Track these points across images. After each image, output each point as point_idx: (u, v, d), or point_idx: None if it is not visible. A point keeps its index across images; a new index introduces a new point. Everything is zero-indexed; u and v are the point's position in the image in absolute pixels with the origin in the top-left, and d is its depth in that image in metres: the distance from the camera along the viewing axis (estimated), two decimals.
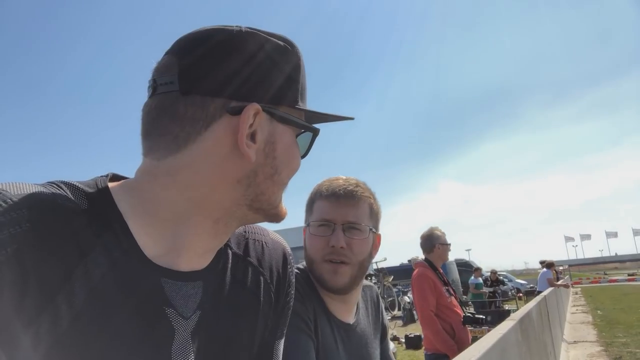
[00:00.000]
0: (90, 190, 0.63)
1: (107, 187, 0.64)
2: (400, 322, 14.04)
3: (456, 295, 3.85)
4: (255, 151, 0.64)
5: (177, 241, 0.64)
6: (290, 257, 0.86)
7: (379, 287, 14.26)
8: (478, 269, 14.98)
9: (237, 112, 0.63)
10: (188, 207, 0.64)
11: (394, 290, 15.92)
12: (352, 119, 0.80)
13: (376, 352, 1.36)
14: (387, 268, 16.75)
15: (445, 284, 3.75)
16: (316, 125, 0.75)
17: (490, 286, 15.68)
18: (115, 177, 0.69)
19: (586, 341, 8.62)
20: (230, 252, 0.75)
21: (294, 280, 0.87)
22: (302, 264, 1.29)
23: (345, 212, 1.22)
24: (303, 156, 0.74)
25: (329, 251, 1.20)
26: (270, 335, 0.80)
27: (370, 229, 1.24)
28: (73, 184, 0.62)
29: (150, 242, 0.63)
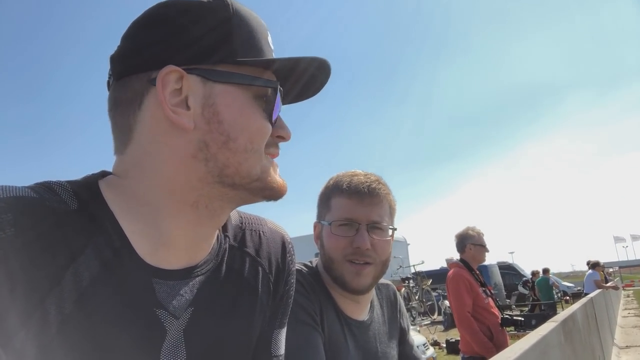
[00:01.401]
0: (80, 190, 0.61)
1: (97, 185, 0.63)
2: (441, 327, 13.74)
3: (494, 297, 3.72)
4: (191, 118, 0.60)
5: (163, 235, 0.63)
6: (290, 246, 0.84)
7: (417, 292, 14.03)
8: (547, 269, 14.56)
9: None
10: (161, 195, 0.62)
11: (434, 294, 15.59)
12: (322, 60, 0.68)
13: (392, 352, 1.32)
14: (425, 271, 16.41)
15: (482, 285, 3.62)
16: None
17: (533, 288, 15.14)
18: (107, 175, 0.67)
19: None
20: (227, 244, 0.73)
21: (294, 268, 0.84)
22: (309, 261, 1.26)
23: (369, 211, 1.18)
24: (270, 119, 0.66)
25: (352, 251, 1.16)
26: (269, 325, 0.78)
27: (391, 228, 1.22)
28: (62, 184, 0.61)
29: (139, 239, 0.61)
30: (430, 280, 15.62)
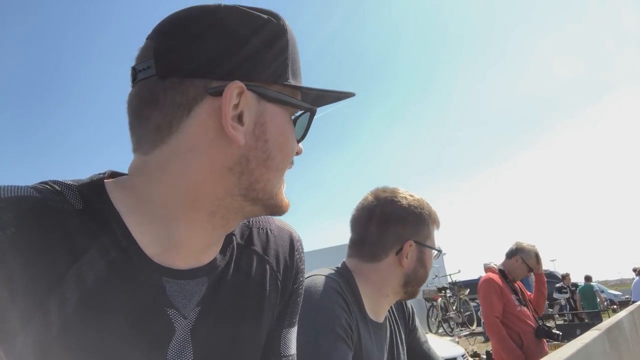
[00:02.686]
0: (85, 190, 0.60)
1: (103, 185, 0.62)
2: (481, 337, 13.37)
3: (531, 306, 3.64)
4: (243, 134, 0.60)
5: (174, 238, 0.62)
6: (299, 244, 0.82)
7: (454, 302, 13.73)
8: (589, 277, 14.05)
9: (219, 92, 0.59)
10: (181, 201, 0.61)
11: (472, 304, 15.21)
12: (352, 95, 0.72)
13: (404, 349, 1.42)
14: (462, 281, 16.06)
15: (516, 292, 3.57)
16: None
17: (566, 292, 14.52)
18: (114, 174, 0.67)
19: None
20: (234, 243, 0.73)
21: (303, 267, 0.83)
22: (333, 270, 1.30)
23: None
24: (300, 140, 0.69)
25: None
26: (277, 324, 0.78)
27: None
28: (67, 184, 0.60)
29: (148, 240, 0.60)
30: (468, 290, 15.25)
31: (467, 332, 13.15)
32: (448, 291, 13.88)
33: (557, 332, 3.43)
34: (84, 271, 0.55)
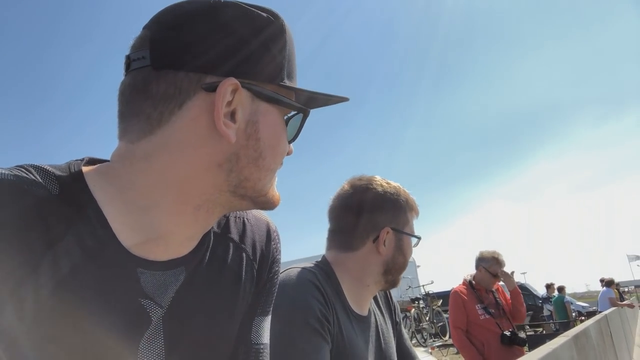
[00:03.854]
0: (62, 175, 0.59)
1: (80, 171, 0.61)
2: (454, 349, 13.44)
3: (502, 315, 3.81)
4: (235, 131, 0.60)
5: (156, 230, 0.61)
6: (275, 234, 0.82)
7: (427, 313, 13.79)
8: (563, 287, 14.28)
9: (213, 88, 0.58)
10: (166, 193, 0.60)
11: (445, 315, 15.32)
12: (346, 99, 0.72)
13: (392, 344, 1.39)
14: (436, 292, 16.17)
15: (482, 302, 3.82)
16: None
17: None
18: (93, 161, 0.65)
19: None
20: (211, 231, 0.72)
21: (279, 257, 0.83)
22: (312, 264, 1.27)
23: None
24: (292, 140, 0.69)
25: None
26: (250, 312, 0.78)
27: None
28: (44, 168, 0.58)
29: (126, 230, 0.60)
30: (441, 301, 15.36)
31: (440, 343, 13.21)
32: (421, 302, 13.96)
33: (523, 337, 3.65)
34: (59, 258, 0.54)
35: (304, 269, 1.19)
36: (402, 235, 1.32)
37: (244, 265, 0.75)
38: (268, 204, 0.68)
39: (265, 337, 0.80)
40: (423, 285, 15.81)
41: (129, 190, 0.60)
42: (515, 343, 3.61)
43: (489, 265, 3.85)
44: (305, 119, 0.68)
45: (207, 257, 0.70)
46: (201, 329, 0.68)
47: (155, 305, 0.62)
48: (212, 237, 0.72)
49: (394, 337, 1.44)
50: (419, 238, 1.38)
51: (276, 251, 0.83)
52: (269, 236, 0.82)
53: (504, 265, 3.90)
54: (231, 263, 0.73)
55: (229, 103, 0.59)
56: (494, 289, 3.92)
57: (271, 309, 0.83)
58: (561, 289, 14.26)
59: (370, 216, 1.29)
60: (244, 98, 0.61)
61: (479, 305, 3.82)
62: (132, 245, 0.60)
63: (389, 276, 1.31)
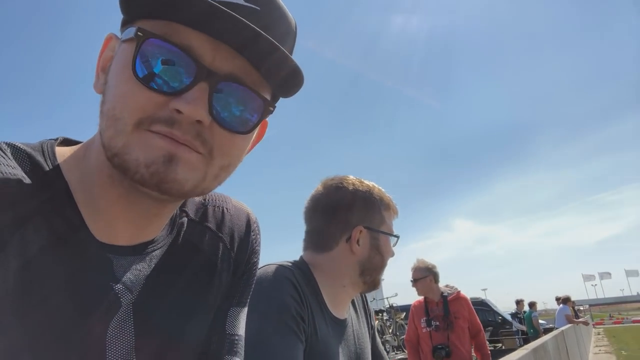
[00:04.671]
0: (35, 154, 0.57)
1: (54, 152, 0.59)
2: None
3: (447, 327, 3.99)
4: (98, 80, 0.61)
5: (102, 208, 0.59)
6: (255, 225, 0.82)
7: (390, 325, 13.88)
8: (534, 303, 14.50)
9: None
10: (95, 167, 0.59)
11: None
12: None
13: (368, 348, 1.38)
14: (401, 306, 16.32)
15: (428, 314, 4.06)
16: None
17: (522, 322, 14.98)
18: (68, 142, 0.64)
19: None
20: (186, 219, 0.71)
21: (258, 248, 0.82)
22: (290, 262, 1.27)
23: None
24: (151, 82, 0.55)
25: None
26: (226, 302, 0.77)
27: None
28: (16, 146, 0.57)
29: (92, 214, 0.59)
30: (404, 314, 15.50)
31: (402, 356, 13.29)
32: (385, 314, 14.02)
33: (448, 349, 3.86)
34: (27, 239, 0.52)
35: (282, 266, 1.18)
36: (378, 234, 1.29)
37: (220, 254, 0.74)
38: (133, 174, 0.55)
39: (241, 329, 0.79)
40: (387, 298, 15.89)
41: (87, 172, 0.60)
42: (444, 356, 3.82)
43: (414, 273, 4.11)
44: (145, 39, 0.54)
45: (180, 244, 0.69)
46: (172, 315, 0.67)
47: (125, 289, 0.61)
48: (186, 225, 0.70)
49: (369, 341, 1.42)
50: (397, 237, 1.34)
51: (255, 242, 0.81)
52: (249, 227, 0.80)
53: (420, 265, 4.15)
54: (206, 251, 0.72)
55: None
56: (448, 300, 4.06)
57: (248, 301, 0.82)
58: (532, 305, 14.58)
59: (342, 215, 1.28)
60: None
61: (424, 318, 4.03)
62: (98, 229, 0.59)
63: (366, 277, 1.29)
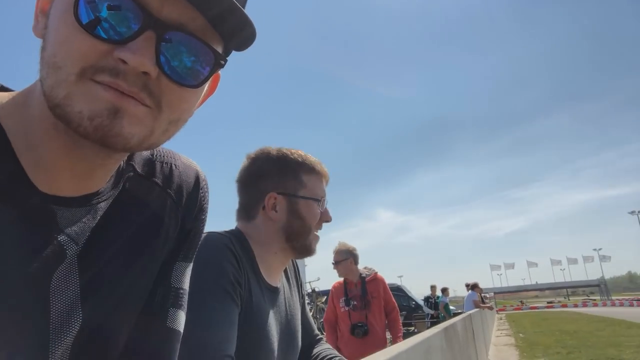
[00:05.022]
0: None
1: None
2: None
3: (365, 307, 4.20)
4: (38, 25, 0.57)
5: (45, 159, 0.57)
6: (204, 182, 0.82)
7: (311, 308, 14.18)
8: (446, 289, 15.30)
9: None
10: (37, 116, 0.57)
11: None
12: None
13: (298, 316, 1.42)
14: (323, 290, 16.70)
15: (347, 295, 4.24)
16: None
17: (435, 306, 15.87)
18: (3, 90, 0.62)
19: None
20: (132, 173, 0.70)
21: (206, 206, 0.82)
22: (226, 231, 1.30)
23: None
24: (95, 28, 0.53)
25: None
26: (172, 256, 0.77)
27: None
28: None
29: (35, 164, 0.56)
30: (325, 297, 15.88)
31: (322, 338, 13.65)
32: (307, 298, 14.26)
33: (365, 328, 4.09)
34: None
35: (220, 234, 1.21)
36: (297, 199, 1.30)
37: (167, 210, 0.74)
38: (74, 124, 0.53)
39: (186, 284, 0.80)
40: (309, 282, 16.20)
41: (29, 121, 0.57)
42: (361, 334, 4.04)
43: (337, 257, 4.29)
44: None
45: (126, 197, 0.68)
46: (117, 267, 0.66)
47: (70, 241, 0.59)
48: (132, 179, 0.70)
49: (299, 310, 1.47)
50: (316, 200, 1.34)
51: (203, 199, 0.81)
52: (197, 184, 0.80)
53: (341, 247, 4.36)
54: (153, 205, 0.71)
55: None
56: (366, 281, 4.28)
57: (194, 257, 0.83)
58: (444, 291, 15.52)
59: (257, 184, 1.32)
60: None
61: (342, 298, 4.22)
62: (41, 180, 0.57)
63: (294, 242, 1.31)
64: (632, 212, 54.34)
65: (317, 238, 1.35)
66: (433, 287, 16.48)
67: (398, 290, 22.36)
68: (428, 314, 16.37)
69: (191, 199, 0.78)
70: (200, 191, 0.81)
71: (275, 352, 1.22)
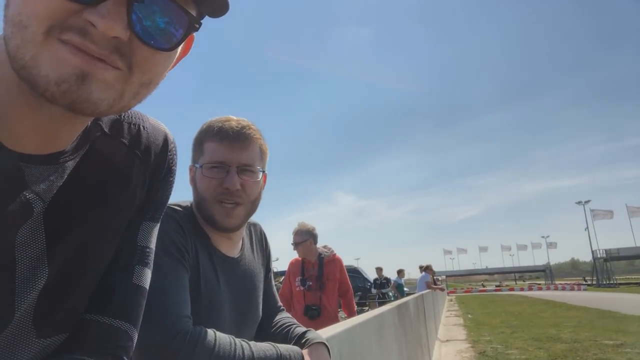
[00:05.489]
0: None
1: None
2: None
3: (319, 288, 4.21)
4: None
5: (18, 119, 0.56)
6: (172, 145, 0.82)
7: None
8: (402, 270, 15.70)
9: None
10: (4, 74, 0.54)
11: None
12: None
13: (259, 287, 1.41)
14: (281, 271, 16.82)
15: (303, 274, 4.25)
16: None
17: (380, 286, 16.31)
18: None
19: (457, 340, 9.36)
20: (99, 133, 0.69)
21: (174, 168, 0.83)
22: (186, 201, 1.30)
23: (239, 154, 1.23)
24: None
25: (222, 192, 1.22)
26: (138, 216, 0.78)
27: (261, 170, 1.29)
28: None
29: (1, 122, 0.55)
30: (282, 278, 16.00)
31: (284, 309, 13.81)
32: None
33: (319, 310, 4.11)
34: None
35: (168, 206, 1.22)
36: (197, 169, 1.26)
37: (134, 169, 0.74)
38: (40, 89, 0.51)
39: (153, 243, 0.80)
40: None
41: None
42: (311, 316, 4.06)
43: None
44: None
45: (93, 157, 0.67)
46: (84, 224, 0.66)
47: (37, 198, 0.59)
48: (100, 139, 0.69)
49: (262, 281, 1.45)
50: (215, 166, 1.23)
51: (172, 161, 0.81)
52: (165, 146, 0.79)
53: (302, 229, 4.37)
54: (120, 165, 0.71)
55: None
56: (324, 262, 4.30)
57: (161, 217, 0.83)
58: (399, 272, 15.99)
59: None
60: None
61: (299, 277, 4.24)
62: (7, 137, 0.55)
63: (200, 214, 1.27)
64: (579, 202, 56.83)
65: (224, 210, 1.22)
66: (379, 269, 16.94)
67: (355, 272, 22.80)
68: (377, 295, 16.85)
69: (159, 160, 0.78)
70: (169, 153, 0.80)
71: (227, 320, 1.23)
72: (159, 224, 0.83)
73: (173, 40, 0.55)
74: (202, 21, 0.59)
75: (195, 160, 1.28)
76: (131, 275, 0.76)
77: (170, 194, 0.84)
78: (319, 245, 4.38)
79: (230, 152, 1.23)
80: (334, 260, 4.32)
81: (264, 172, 1.31)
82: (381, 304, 14.73)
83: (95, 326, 0.71)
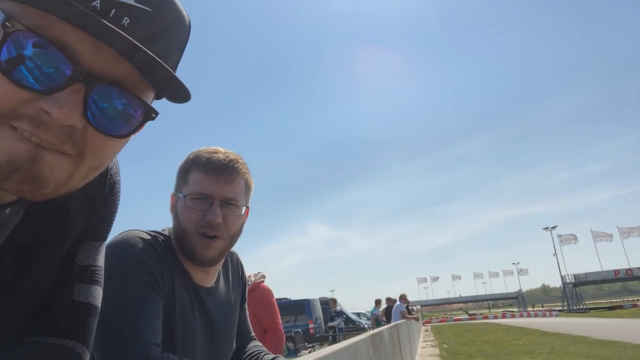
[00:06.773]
0: None
1: None
2: None
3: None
4: None
5: None
6: (112, 164, 0.79)
7: None
8: (379, 300, 15.62)
9: None
10: None
11: None
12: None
13: (236, 316, 1.40)
14: None
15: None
16: None
17: (330, 319, 16.04)
18: None
19: None
20: None
21: (118, 186, 0.81)
22: (165, 229, 1.29)
23: (224, 188, 1.21)
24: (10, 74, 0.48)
25: (203, 224, 1.19)
26: (77, 239, 0.77)
27: (244, 205, 1.27)
28: None
29: None
30: None
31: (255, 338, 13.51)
32: None
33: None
34: None
35: (144, 232, 1.20)
36: (179, 199, 1.23)
37: (73, 202, 0.72)
38: None
39: (98, 260, 0.80)
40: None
41: None
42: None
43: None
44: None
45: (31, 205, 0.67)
46: (17, 265, 0.66)
47: None
48: None
49: (238, 311, 1.44)
50: (198, 197, 1.20)
51: (112, 179, 0.79)
52: (105, 170, 0.76)
53: None
54: (58, 200, 0.65)
55: None
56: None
57: (107, 235, 0.82)
58: (377, 303, 15.92)
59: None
60: None
61: None
62: None
63: (179, 245, 1.23)
64: (546, 228, 57.85)
65: (204, 242, 1.19)
66: (333, 300, 16.84)
67: (329, 304, 22.67)
68: (325, 328, 16.65)
69: (99, 182, 0.76)
70: (109, 172, 0.78)
71: (198, 350, 1.22)
72: (104, 242, 0.82)
73: (128, 128, 0.56)
74: (158, 111, 0.59)
75: (178, 189, 1.26)
76: (71, 293, 0.75)
77: (115, 210, 0.82)
78: (255, 271, 3.75)
79: (215, 185, 1.20)
80: (256, 290, 3.49)
81: (247, 206, 1.28)
82: (333, 337, 14.41)
83: (41, 348, 0.71)
